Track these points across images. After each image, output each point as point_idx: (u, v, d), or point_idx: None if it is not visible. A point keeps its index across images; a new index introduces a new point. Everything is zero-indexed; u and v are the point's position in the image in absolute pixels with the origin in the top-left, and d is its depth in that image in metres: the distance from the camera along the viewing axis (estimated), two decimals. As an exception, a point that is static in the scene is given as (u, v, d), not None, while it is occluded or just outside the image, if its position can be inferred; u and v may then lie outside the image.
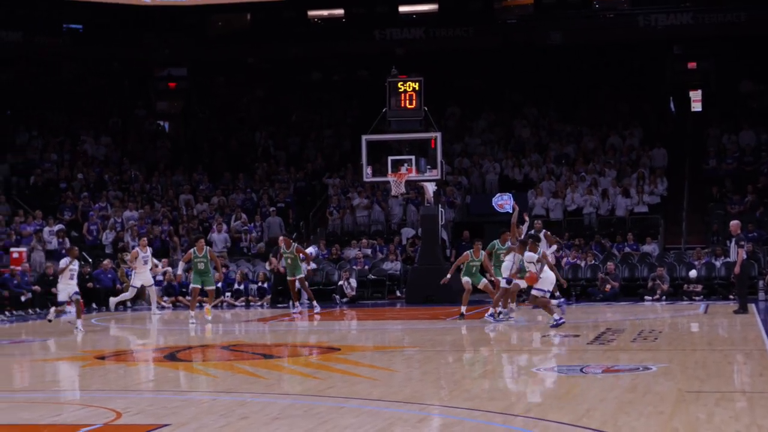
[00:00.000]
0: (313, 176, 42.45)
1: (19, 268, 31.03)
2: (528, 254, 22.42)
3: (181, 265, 28.54)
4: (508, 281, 23.93)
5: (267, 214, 38.76)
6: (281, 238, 30.48)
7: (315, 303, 29.07)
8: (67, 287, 24.44)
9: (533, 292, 22.54)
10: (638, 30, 45.06)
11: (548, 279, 22.37)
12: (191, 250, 27.25)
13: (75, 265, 24.59)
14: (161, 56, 49.87)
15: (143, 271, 28.80)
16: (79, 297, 24.64)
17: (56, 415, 12.50)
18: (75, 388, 15.41)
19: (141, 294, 33.87)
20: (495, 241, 26.00)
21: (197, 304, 27.91)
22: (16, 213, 37.02)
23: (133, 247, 35.54)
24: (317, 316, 27.56)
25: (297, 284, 29.20)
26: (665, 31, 44.42)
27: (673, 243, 36.59)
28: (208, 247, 27.76)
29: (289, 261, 28.92)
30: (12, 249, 33.06)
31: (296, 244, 29.31)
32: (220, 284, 31.84)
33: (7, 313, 29.45)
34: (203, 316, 26.83)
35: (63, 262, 24.71)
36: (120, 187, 41.06)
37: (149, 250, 29.67)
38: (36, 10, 47.11)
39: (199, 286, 26.99)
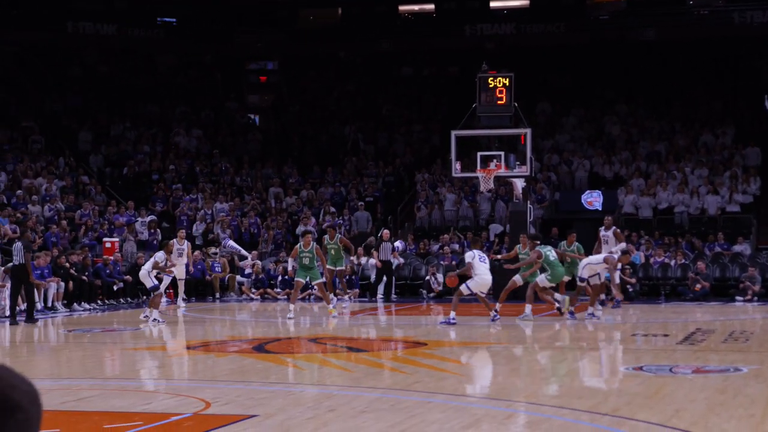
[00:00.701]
0: (401, 171, 42.50)
1: (111, 258, 31.50)
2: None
3: (290, 261, 27.92)
4: (581, 279, 24.46)
5: (355, 208, 38.90)
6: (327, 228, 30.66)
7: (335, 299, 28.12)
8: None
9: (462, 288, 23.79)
10: (733, 27, 44.45)
11: (483, 282, 23.49)
12: (297, 245, 26.73)
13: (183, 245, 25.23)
14: (253, 50, 50.27)
15: (179, 263, 28.66)
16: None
17: (147, 404, 12.69)
18: (165, 377, 15.62)
19: (230, 285, 34.22)
20: (562, 242, 26.28)
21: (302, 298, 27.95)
22: (109, 203, 37.56)
23: (223, 238, 35.98)
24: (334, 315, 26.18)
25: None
26: (761, 27, 43.76)
27: (765, 243, 36.06)
28: (314, 243, 26.78)
29: (332, 252, 28.35)
30: (105, 239, 33.56)
31: (340, 235, 28.89)
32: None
33: (99, 302, 29.91)
34: (330, 314, 26.21)
35: (160, 258, 24.79)
36: (210, 179, 41.48)
37: (186, 243, 29.82)
38: (131, 3, 47.77)
39: (303, 281, 26.46)
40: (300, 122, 47.86)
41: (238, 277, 34.31)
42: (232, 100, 49.23)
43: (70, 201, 36.06)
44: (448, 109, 43.76)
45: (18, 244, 25.33)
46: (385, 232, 32.51)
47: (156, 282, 24.63)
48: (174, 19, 50.22)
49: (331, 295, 28.01)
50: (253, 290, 33.46)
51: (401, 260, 33.68)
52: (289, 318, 25.20)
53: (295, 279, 26.40)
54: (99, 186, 39.26)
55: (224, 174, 42.22)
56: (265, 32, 49.69)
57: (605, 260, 24.99)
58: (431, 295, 33.11)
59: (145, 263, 25.81)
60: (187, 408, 12.07)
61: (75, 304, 28.84)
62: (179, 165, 41.94)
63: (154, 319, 23.94)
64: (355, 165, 42.98)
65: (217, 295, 33.58)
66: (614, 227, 27.44)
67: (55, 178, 37.55)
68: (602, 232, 27.81)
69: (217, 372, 16.14)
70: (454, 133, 31.56)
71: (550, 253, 25.01)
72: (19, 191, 35.20)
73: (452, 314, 23.47)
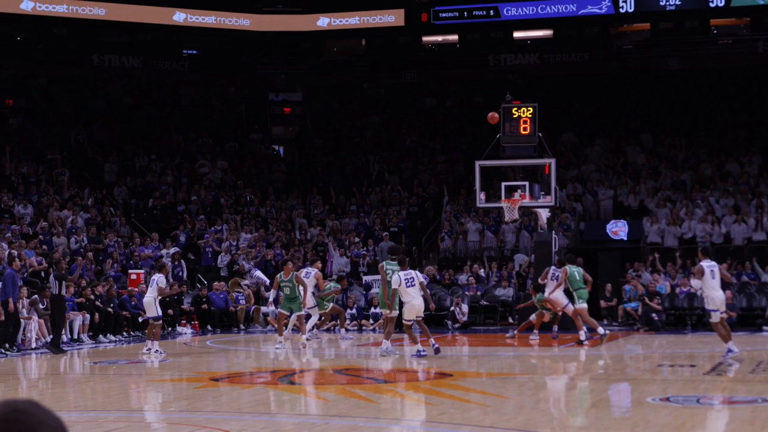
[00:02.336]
0: (425, 201, 42.50)
1: (137, 289, 31.57)
2: None
3: (272, 292, 27.77)
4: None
5: (380, 238, 38.91)
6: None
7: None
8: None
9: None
10: (757, 55, 44.38)
11: (411, 308, 22.55)
12: (278, 275, 26.17)
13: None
14: (277, 81, 50.49)
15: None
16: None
17: (172, 436, 12.68)
18: (190, 409, 15.60)
19: (255, 317, 34.24)
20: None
21: (292, 329, 27.78)
22: (134, 235, 37.69)
23: (249, 269, 36.05)
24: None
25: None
26: (785, 56, 43.71)
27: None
28: (294, 272, 26.14)
29: (287, 291, 25.98)
30: (130, 271, 33.66)
31: (296, 273, 26.58)
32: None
33: (125, 333, 29.97)
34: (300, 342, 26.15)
35: (162, 282, 24.60)
36: (235, 210, 41.57)
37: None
38: (156, 36, 48.07)
39: (287, 312, 26.09)
40: (324, 153, 47.97)
41: (263, 308, 34.33)
42: (256, 131, 49.39)
43: (94, 233, 36.18)
44: (472, 140, 43.80)
45: (51, 276, 25.61)
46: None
47: (160, 312, 24.61)
48: (198, 51, 50.50)
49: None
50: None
51: None
52: (277, 348, 25.05)
53: (279, 310, 26.32)
54: (124, 218, 39.39)
55: (249, 205, 42.31)
56: (289, 64, 49.93)
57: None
58: (456, 325, 33.04)
59: (147, 289, 25.36)
60: (212, 440, 12.06)
61: (101, 335, 28.91)
62: (204, 196, 42.05)
63: (156, 350, 23.84)
64: (379, 195, 43.01)
65: (242, 326, 33.60)
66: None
67: (80, 210, 37.70)
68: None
69: (242, 404, 16.11)
70: (478, 163, 31.57)
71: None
72: (44, 223, 35.35)
73: (386, 344, 23.18)
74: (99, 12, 45.61)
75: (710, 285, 20.69)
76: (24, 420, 2.46)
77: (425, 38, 50.17)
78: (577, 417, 13.62)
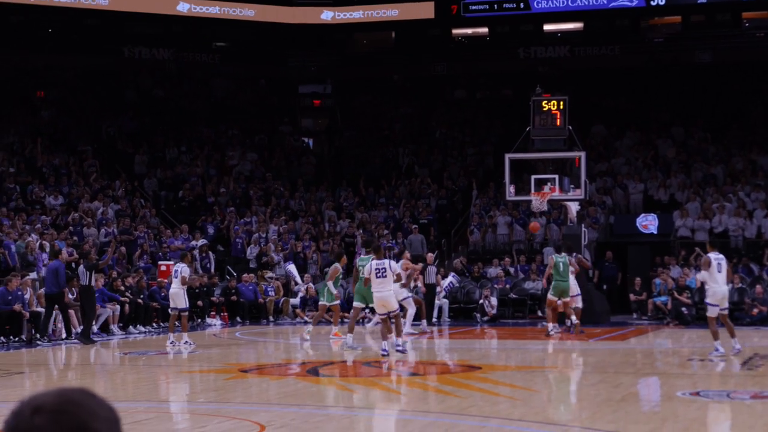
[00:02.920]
0: (455, 194, 42.45)
1: (166, 281, 31.63)
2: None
3: (301, 286, 27.82)
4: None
5: (409, 231, 38.88)
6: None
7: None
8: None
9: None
10: (790, 48, 44.09)
11: (380, 299, 20.71)
12: (335, 265, 25.97)
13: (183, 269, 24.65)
14: (307, 74, 50.52)
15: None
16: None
17: (202, 427, 12.73)
18: (219, 400, 15.65)
19: (284, 309, 34.31)
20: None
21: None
22: (164, 227, 37.81)
23: (278, 260, 36.14)
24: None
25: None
26: (818, 49, 43.42)
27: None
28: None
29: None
30: (160, 262, 33.76)
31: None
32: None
33: (154, 324, 30.07)
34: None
35: (186, 272, 24.74)
36: (265, 202, 41.61)
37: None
38: (187, 27, 48.18)
39: (324, 303, 25.88)
40: (353, 145, 47.98)
41: (292, 300, 34.40)
42: (286, 123, 49.45)
43: (125, 224, 36.32)
44: (502, 132, 43.71)
45: (81, 267, 25.72)
46: (429, 256, 32.48)
47: (187, 303, 24.73)
48: (229, 43, 50.57)
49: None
50: (308, 313, 33.49)
51: (446, 290, 33.39)
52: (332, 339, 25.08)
53: (327, 303, 25.83)
54: (154, 209, 39.52)
55: (278, 197, 42.37)
56: (319, 56, 49.95)
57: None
58: (485, 318, 33.01)
59: (172, 279, 25.14)
60: (242, 431, 12.10)
61: (130, 326, 29.04)
62: (233, 188, 42.14)
63: (186, 342, 23.93)
64: (408, 188, 42.99)
65: (271, 318, 33.68)
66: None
67: (110, 201, 37.85)
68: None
69: (271, 395, 16.16)
70: (508, 156, 31.53)
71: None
72: (75, 214, 35.51)
73: (349, 337, 22.67)
74: (131, 3, 45.72)
75: (714, 278, 20.34)
76: (75, 411, 2.45)
77: (455, 31, 50.07)
78: (606, 411, 13.58)
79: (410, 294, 26.96)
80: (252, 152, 45.68)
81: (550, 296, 26.47)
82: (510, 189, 31.47)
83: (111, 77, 47.57)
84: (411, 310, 26.87)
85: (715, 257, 20.35)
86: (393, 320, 21.13)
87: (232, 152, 45.18)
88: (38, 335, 25.63)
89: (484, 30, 49.70)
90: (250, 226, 38.86)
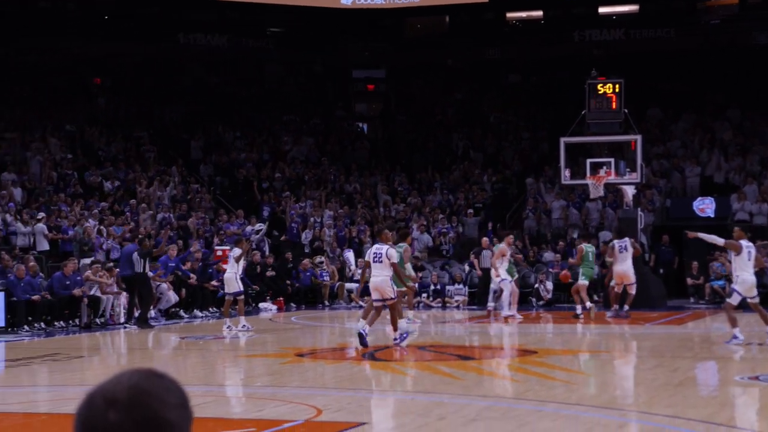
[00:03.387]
0: (510, 178, 42.34)
1: (224, 265, 31.75)
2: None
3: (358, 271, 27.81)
4: None
5: (464, 215, 38.83)
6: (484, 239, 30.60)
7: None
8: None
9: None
10: None
11: (372, 284, 20.07)
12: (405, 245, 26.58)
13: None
14: (360, 59, 50.52)
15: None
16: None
17: (259, 411, 12.81)
18: (276, 384, 15.74)
19: (339, 293, 34.42)
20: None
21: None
22: (219, 212, 37.99)
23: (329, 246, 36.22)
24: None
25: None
26: None
27: None
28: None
29: None
30: (216, 247, 33.93)
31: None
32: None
33: (211, 309, 30.22)
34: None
35: (237, 253, 24.66)
36: (319, 186, 41.72)
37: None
38: (242, 13, 48.31)
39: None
40: (407, 130, 47.96)
41: (347, 285, 34.49)
42: (340, 108, 49.51)
43: (181, 210, 36.56)
44: (557, 116, 43.48)
45: (135, 254, 25.90)
46: (484, 240, 32.43)
47: (242, 287, 24.80)
48: (283, 29, 50.67)
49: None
50: (365, 298, 33.54)
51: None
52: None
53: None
54: (209, 194, 39.74)
55: (333, 182, 42.47)
56: (372, 41, 49.92)
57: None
58: (540, 303, 32.92)
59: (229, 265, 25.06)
60: (298, 415, 12.16)
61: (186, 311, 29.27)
62: (288, 173, 42.28)
63: (243, 326, 24.00)
64: (463, 172, 42.93)
65: (327, 302, 33.78)
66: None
67: (166, 187, 38.11)
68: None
69: (327, 379, 16.23)
70: (563, 140, 31.40)
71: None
72: (132, 200, 35.78)
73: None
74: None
75: (743, 266, 19.86)
76: (148, 403, 2.46)
77: (509, 14, 49.82)
78: (663, 395, 13.51)
79: (507, 277, 26.98)
80: (306, 137, 45.81)
81: (582, 282, 27.17)
82: (565, 173, 31.35)
83: (166, 64, 47.85)
84: (506, 292, 27.08)
85: (746, 245, 19.87)
86: (388, 308, 20.11)
87: (287, 137, 45.34)
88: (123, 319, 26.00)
89: (539, 13, 49.41)
90: (304, 210, 38.99)
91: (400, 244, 23.58)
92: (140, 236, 28.33)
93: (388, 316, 20.30)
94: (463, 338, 24.01)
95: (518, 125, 46.20)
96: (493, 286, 31.85)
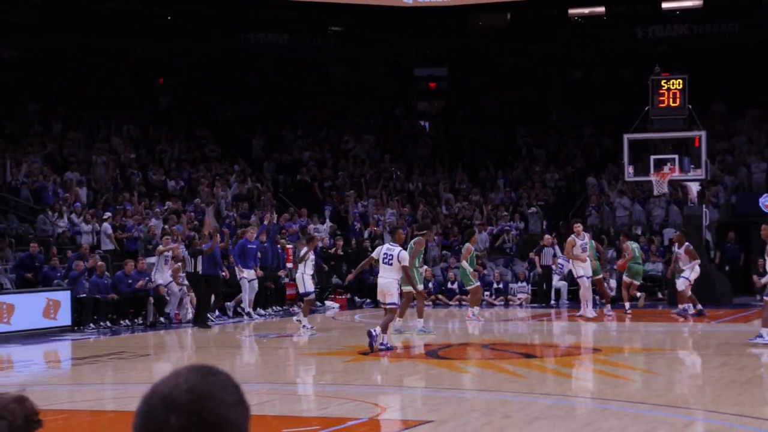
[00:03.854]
0: (572, 175, 42.13)
1: (290, 264, 31.82)
2: None
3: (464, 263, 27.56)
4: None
5: (526, 213, 38.69)
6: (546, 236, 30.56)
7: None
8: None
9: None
10: None
11: (378, 285, 19.59)
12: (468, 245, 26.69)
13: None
14: (422, 56, 50.48)
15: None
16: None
17: (323, 408, 12.86)
18: (340, 382, 15.78)
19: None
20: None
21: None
22: (282, 211, 38.10)
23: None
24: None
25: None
26: None
27: None
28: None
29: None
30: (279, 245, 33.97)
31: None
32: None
33: (275, 307, 30.31)
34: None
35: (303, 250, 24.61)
36: (381, 185, 41.74)
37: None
38: (302, 13, 48.49)
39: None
40: (469, 128, 47.87)
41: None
42: (401, 106, 49.53)
43: (243, 208, 36.73)
44: (620, 113, 43.15)
45: (186, 253, 25.95)
46: (546, 238, 32.28)
47: (312, 288, 24.49)
48: (344, 28, 50.78)
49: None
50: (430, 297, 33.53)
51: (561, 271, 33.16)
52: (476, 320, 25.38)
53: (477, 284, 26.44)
54: (271, 193, 39.88)
55: (395, 180, 42.47)
56: (434, 38, 49.85)
57: None
58: (604, 300, 32.67)
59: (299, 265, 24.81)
60: (362, 413, 12.19)
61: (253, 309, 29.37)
62: (350, 171, 42.36)
63: (304, 326, 23.54)
64: (525, 169, 42.79)
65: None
66: (686, 243, 26.77)
67: (229, 186, 38.32)
68: (675, 249, 27.34)
69: (391, 377, 16.24)
70: (626, 136, 31.18)
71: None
72: (196, 199, 36.01)
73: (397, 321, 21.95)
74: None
75: None
76: (209, 407, 2.47)
77: (571, 11, 49.54)
78: (730, 393, 13.38)
79: (585, 273, 26.92)
80: (368, 135, 45.88)
81: (625, 278, 28.38)
82: (629, 170, 31.13)
83: (228, 63, 48.15)
84: (582, 290, 27.19)
85: None
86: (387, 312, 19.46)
87: (348, 136, 45.42)
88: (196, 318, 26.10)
89: (601, 9, 49.09)
90: (366, 209, 39.03)
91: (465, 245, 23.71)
92: (190, 235, 28.27)
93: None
94: (527, 336, 23.92)
95: (581, 122, 45.96)
96: (555, 283, 31.80)
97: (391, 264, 18.94)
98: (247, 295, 28.08)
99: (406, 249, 19.88)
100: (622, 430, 10.74)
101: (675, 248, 27.51)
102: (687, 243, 26.49)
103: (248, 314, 28.02)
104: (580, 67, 49.17)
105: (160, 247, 26.99)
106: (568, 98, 47.65)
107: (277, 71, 49.44)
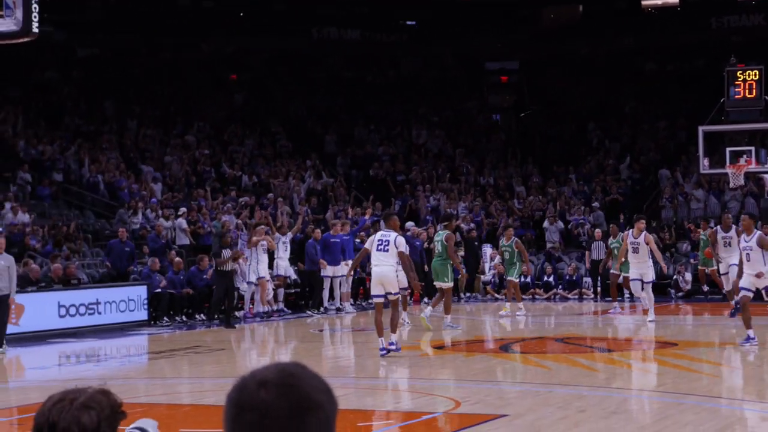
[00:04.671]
0: (646, 168, 41.78)
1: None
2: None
3: (488, 264, 27.87)
4: None
5: (599, 206, 38.45)
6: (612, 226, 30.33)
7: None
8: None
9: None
10: None
11: (374, 275, 17.81)
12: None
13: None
14: (493, 50, 50.36)
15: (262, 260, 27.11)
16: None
17: (398, 402, 12.90)
18: (414, 376, 15.81)
19: (475, 286, 34.32)
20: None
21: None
22: (355, 205, 38.20)
23: (459, 241, 36.17)
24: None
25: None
26: None
27: None
28: (515, 238, 27.36)
29: (506, 256, 27.30)
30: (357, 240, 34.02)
31: (516, 239, 27.45)
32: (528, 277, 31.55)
33: (350, 300, 30.32)
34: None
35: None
36: (453, 179, 41.69)
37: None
38: (373, 8, 48.60)
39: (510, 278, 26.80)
40: (541, 121, 47.66)
41: (483, 278, 34.41)
42: (473, 100, 49.44)
43: (315, 204, 36.87)
44: (694, 105, 42.73)
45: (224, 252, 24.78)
46: (597, 232, 32.04)
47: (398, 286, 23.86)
48: (415, 22, 50.80)
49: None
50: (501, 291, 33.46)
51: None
52: (518, 315, 25.35)
53: (508, 278, 26.45)
54: (344, 188, 40.01)
55: (467, 174, 42.41)
56: (505, 32, 49.70)
57: None
58: (679, 294, 32.43)
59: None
60: (437, 407, 12.21)
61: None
62: (422, 166, 42.36)
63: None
64: (598, 163, 42.52)
65: (462, 294, 33.69)
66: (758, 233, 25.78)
67: (302, 181, 38.50)
68: (630, 239, 24.28)
69: (465, 372, 16.24)
70: (701, 128, 30.86)
71: None
72: (270, 194, 36.20)
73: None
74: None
75: None
76: (298, 384, 2.60)
77: (644, 2, 49.14)
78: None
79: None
80: (440, 129, 45.87)
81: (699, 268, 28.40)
82: (704, 162, 30.82)
83: (300, 59, 48.38)
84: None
85: None
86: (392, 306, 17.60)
87: (421, 130, 45.43)
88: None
89: (675, 0, 48.65)
90: (438, 203, 39.01)
91: (441, 231, 23.31)
92: (218, 230, 27.85)
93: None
94: (601, 330, 23.80)
95: (655, 114, 45.56)
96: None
97: (388, 250, 17.22)
98: (327, 291, 28.13)
99: (402, 236, 18.19)
100: (699, 425, 10.65)
101: (743, 238, 25.99)
102: (759, 233, 26.04)
103: (338, 309, 28.13)
104: (653, 58, 48.72)
105: (255, 238, 26.90)
106: (641, 90, 47.24)
107: (349, 66, 49.59)
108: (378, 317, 17.24)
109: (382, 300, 17.29)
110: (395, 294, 17.43)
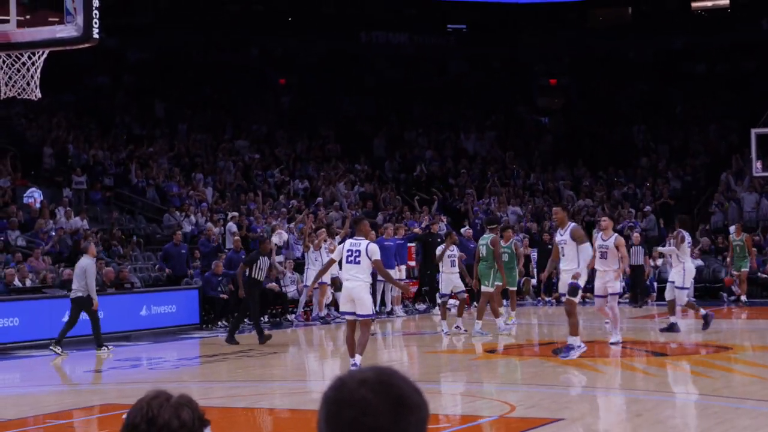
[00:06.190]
0: (697, 170, 41.51)
1: (412, 262, 31.82)
2: None
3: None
4: None
5: (650, 209, 38.24)
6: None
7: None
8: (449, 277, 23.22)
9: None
10: None
11: (344, 290, 15.78)
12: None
13: (454, 251, 23.19)
14: (542, 52, 50.26)
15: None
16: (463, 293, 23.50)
17: (454, 406, 12.91)
18: (468, 380, 15.81)
19: (525, 289, 34.23)
20: None
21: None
22: (404, 208, 38.19)
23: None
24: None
25: None
26: None
27: None
28: (515, 240, 26.00)
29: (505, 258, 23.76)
30: (409, 244, 33.94)
31: (515, 241, 26.36)
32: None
33: (403, 304, 30.29)
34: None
35: (439, 248, 23.79)
36: (502, 182, 41.61)
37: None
38: (421, 11, 48.68)
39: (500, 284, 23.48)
40: (590, 123, 47.47)
41: (533, 281, 34.30)
42: (521, 102, 49.35)
43: (368, 207, 36.90)
44: (745, 106, 42.43)
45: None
46: (635, 236, 31.87)
47: (446, 290, 23.29)
48: (464, 26, 50.81)
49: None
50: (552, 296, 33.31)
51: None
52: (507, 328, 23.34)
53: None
54: (394, 191, 40.02)
55: (516, 177, 42.32)
56: (554, 34, 49.60)
57: None
58: (732, 298, 32.17)
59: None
60: (493, 411, 12.22)
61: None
62: (471, 169, 42.33)
63: (456, 326, 22.70)
64: (648, 165, 42.30)
65: (541, 297, 33.38)
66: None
67: (352, 185, 38.56)
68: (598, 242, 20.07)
69: (518, 375, 16.23)
70: (753, 131, 30.68)
71: None
72: (319, 199, 36.30)
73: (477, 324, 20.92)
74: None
75: None
76: (396, 384, 2.69)
77: (694, 4, 48.91)
78: None
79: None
80: (489, 132, 45.83)
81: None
82: (757, 165, 30.63)
83: (348, 62, 48.49)
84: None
85: None
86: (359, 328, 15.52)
87: (469, 133, 45.41)
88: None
89: (725, 1, 48.36)
90: (488, 206, 38.93)
91: (486, 235, 22.10)
92: (258, 236, 27.66)
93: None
94: (654, 334, 23.66)
95: (705, 116, 45.26)
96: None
97: (359, 262, 15.12)
98: (379, 295, 27.93)
99: (373, 242, 16.40)
100: (756, 430, 10.60)
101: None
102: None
103: (390, 312, 28.11)
104: (703, 60, 48.43)
105: (317, 241, 26.82)
106: (691, 92, 46.96)
107: (397, 69, 49.67)
108: (349, 334, 15.46)
109: (352, 318, 15.36)
110: (365, 316, 15.23)
